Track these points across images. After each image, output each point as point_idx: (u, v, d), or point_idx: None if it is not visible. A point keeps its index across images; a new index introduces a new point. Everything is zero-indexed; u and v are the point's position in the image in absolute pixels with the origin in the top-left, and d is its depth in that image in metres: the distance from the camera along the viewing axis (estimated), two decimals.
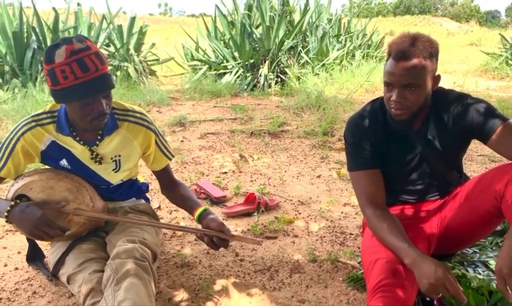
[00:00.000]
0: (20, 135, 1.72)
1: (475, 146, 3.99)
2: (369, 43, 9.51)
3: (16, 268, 2.05)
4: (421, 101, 1.62)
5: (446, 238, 1.76)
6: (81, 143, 1.76)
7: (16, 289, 1.90)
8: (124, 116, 1.82)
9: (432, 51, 1.58)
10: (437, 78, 1.65)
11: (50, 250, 1.89)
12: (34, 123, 1.72)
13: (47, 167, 1.85)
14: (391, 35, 13.44)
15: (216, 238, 1.75)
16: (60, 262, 1.78)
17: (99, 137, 1.78)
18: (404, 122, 1.66)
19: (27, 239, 1.98)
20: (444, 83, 1.72)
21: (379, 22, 13.93)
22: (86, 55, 1.56)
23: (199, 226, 1.86)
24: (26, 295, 1.85)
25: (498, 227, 1.98)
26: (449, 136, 1.70)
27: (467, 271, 1.77)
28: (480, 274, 1.74)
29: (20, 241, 2.27)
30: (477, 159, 3.77)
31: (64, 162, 1.79)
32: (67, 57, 1.54)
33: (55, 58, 1.55)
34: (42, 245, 2.08)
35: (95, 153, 1.79)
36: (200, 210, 1.86)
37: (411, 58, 1.55)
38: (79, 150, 1.77)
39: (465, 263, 1.86)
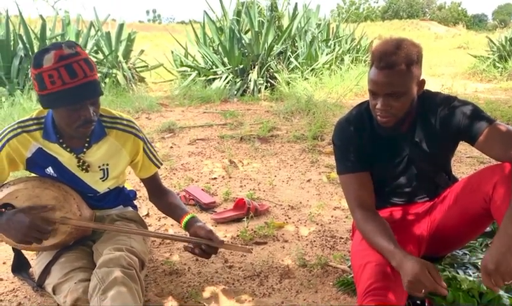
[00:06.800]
0: (6, 142, 1.68)
1: (464, 147, 4.01)
2: (358, 47, 9.55)
3: (1, 279, 2.01)
4: (407, 107, 1.61)
5: (435, 240, 1.75)
6: (68, 150, 1.73)
7: (1, 300, 1.86)
8: (112, 123, 1.80)
9: (416, 57, 1.56)
10: (422, 83, 1.64)
11: (36, 260, 1.86)
12: (20, 130, 1.69)
13: (32, 175, 1.82)
14: (379, 39, 13.52)
15: (205, 246, 1.73)
16: (46, 272, 1.75)
17: (86, 144, 1.75)
18: (391, 128, 1.65)
19: (13, 249, 1.94)
20: (433, 86, 1.72)
21: (367, 27, 14.04)
22: (75, 61, 1.53)
23: (187, 234, 1.84)
24: None
25: (488, 229, 1.98)
26: (437, 138, 1.70)
27: (458, 273, 1.76)
28: (470, 276, 1.73)
29: (4, 252, 2.23)
30: (466, 161, 3.78)
31: (50, 169, 1.76)
32: (56, 62, 1.51)
33: (43, 63, 1.52)
34: (28, 255, 2.04)
35: (82, 161, 1.76)
36: (186, 217, 1.83)
37: (394, 67, 1.52)
38: (66, 158, 1.74)
39: (455, 265, 1.86)
